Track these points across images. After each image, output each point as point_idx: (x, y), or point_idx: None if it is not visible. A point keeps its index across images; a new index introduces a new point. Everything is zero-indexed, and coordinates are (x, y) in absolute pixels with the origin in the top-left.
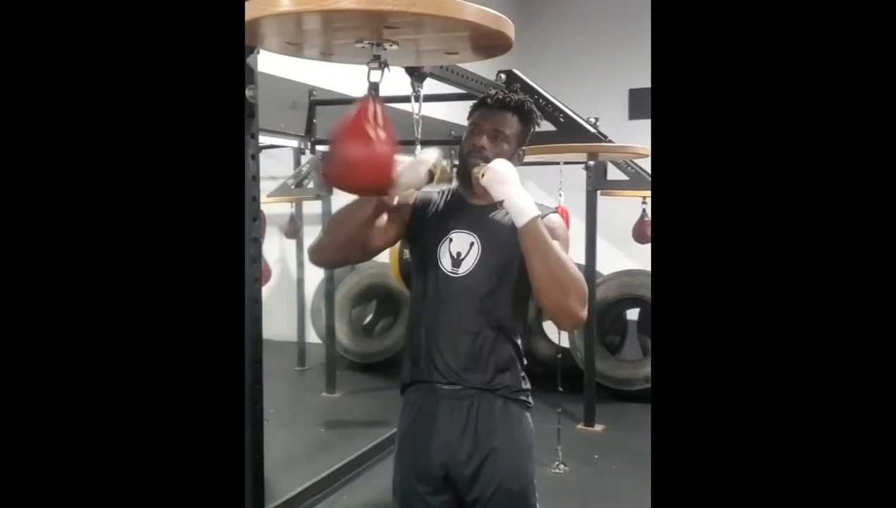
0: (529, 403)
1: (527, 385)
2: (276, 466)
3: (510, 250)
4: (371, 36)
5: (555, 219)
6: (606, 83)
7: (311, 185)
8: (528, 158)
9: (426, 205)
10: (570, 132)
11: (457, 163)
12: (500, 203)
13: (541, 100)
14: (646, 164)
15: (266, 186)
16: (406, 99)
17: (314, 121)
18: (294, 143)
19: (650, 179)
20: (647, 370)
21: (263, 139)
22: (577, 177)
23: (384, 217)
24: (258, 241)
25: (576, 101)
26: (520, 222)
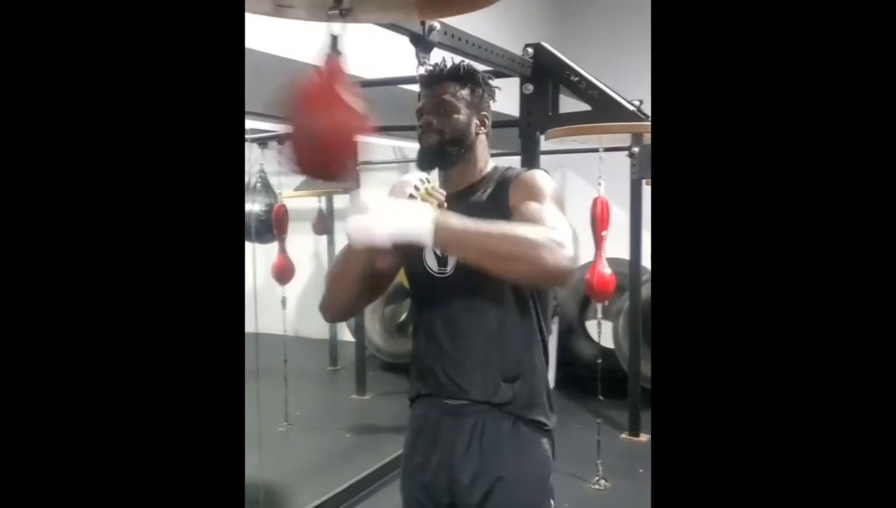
0: (546, 425)
1: (544, 401)
2: (295, 475)
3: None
4: None
5: (529, 175)
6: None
7: None
8: (564, 144)
9: None
10: (606, 111)
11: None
12: (393, 241)
13: (572, 77)
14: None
15: (292, 180)
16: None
17: None
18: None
19: (632, 107)
20: None
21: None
22: (620, 164)
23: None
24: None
25: (620, 81)
26: (427, 240)
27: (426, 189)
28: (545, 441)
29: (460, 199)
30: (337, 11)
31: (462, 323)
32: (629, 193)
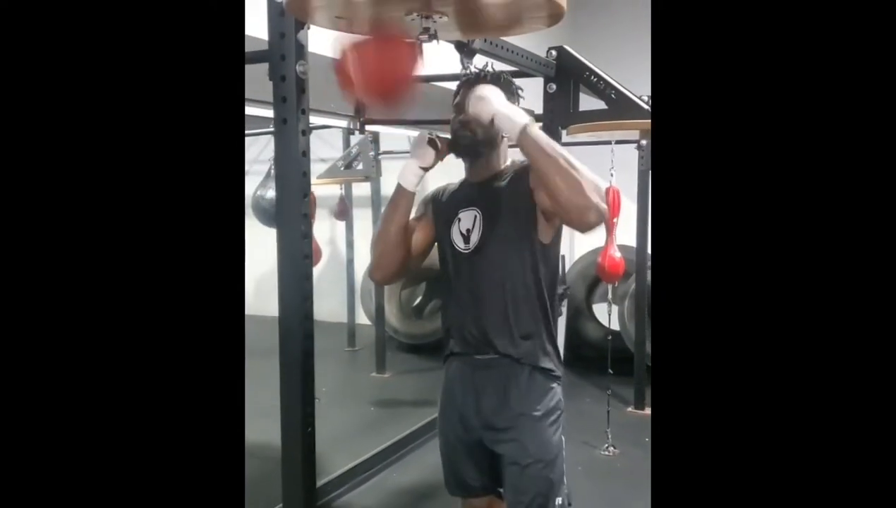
0: (554, 372)
1: (552, 353)
2: (328, 443)
3: (510, 215)
4: (420, 7)
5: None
6: None
7: (360, 167)
8: (578, 138)
9: (438, 195)
10: (622, 109)
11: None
12: (491, 122)
13: (592, 77)
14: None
15: (315, 169)
16: (456, 78)
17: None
18: (343, 123)
19: (643, 103)
20: None
21: (313, 119)
22: (628, 157)
23: (422, 221)
24: (307, 218)
25: (631, 80)
26: (514, 132)
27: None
28: (555, 385)
29: (484, 187)
30: (426, 36)
31: (486, 292)
32: (636, 184)
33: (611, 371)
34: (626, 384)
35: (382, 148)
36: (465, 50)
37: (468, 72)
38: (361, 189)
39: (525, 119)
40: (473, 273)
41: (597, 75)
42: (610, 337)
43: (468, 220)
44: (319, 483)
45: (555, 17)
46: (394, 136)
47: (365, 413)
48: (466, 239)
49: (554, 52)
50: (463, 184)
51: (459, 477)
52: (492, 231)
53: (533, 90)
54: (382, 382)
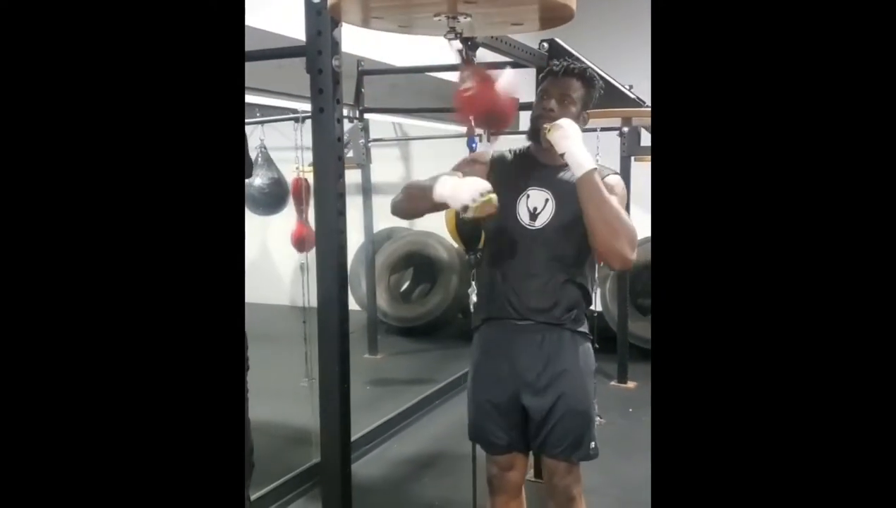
0: (591, 336)
1: (585, 321)
2: None
3: (576, 207)
4: (448, 9)
5: (614, 178)
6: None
7: (350, 154)
8: None
9: (503, 162)
10: (610, 98)
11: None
12: (562, 155)
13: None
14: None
15: (308, 156)
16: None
17: (362, 90)
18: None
19: (633, 96)
20: None
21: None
22: (612, 143)
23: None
24: (342, 197)
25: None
26: (578, 173)
27: (482, 202)
28: (589, 345)
29: (555, 172)
30: (453, 35)
31: (541, 268)
32: (619, 168)
33: (596, 346)
34: (610, 360)
35: (372, 136)
36: (470, 43)
37: (558, 64)
38: (352, 176)
39: (591, 165)
40: (533, 248)
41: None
42: (596, 314)
43: (538, 200)
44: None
45: (566, 17)
46: (383, 124)
47: (362, 391)
48: (533, 216)
49: (546, 45)
50: (530, 158)
51: (486, 438)
52: (560, 216)
53: (528, 81)
54: (375, 363)
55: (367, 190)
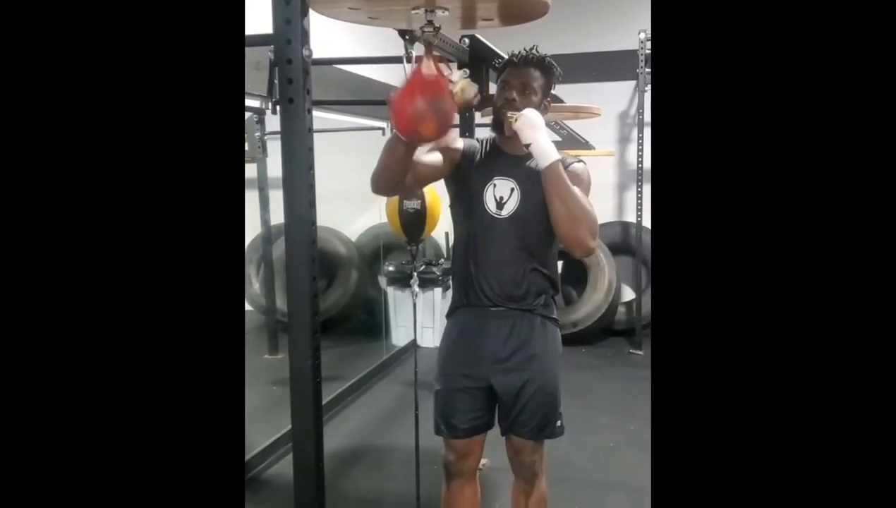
0: (558, 320)
1: (554, 306)
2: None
3: (541, 196)
4: (427, 3)
5: (579, 167)
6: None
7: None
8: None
9: (472, 151)
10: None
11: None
12: (528, 146)
13: (496, 62)
14: (575, 126)
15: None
16: (394, 60)
17: (275, 81)
18: (256, 103)
19: (582, 141)
20: (574, 316)
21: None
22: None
23: (437, 155)
24: (313, 187)
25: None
26: (543, 163)
27: (462, 87)
28: (558, 331)
29: (520, 161)
30: (431, 29)
31: (510, 255)
32: None
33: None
34: None
35: (268, 128)
36: (409, 37)
37: (517, 54)
38: (248, 170)
39: (556, 155)
40: (502, 237)
41: (501, 59)
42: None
43: (504, 189)
44: (248, 455)
45: (541, 12)
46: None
47: (268, 392)
48: (500, 205)
49: (467, 40)
50: (496, 148)
51: (451, 421)
52: (526, 205)
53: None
54: (277, 363)
55: (263, 184)
